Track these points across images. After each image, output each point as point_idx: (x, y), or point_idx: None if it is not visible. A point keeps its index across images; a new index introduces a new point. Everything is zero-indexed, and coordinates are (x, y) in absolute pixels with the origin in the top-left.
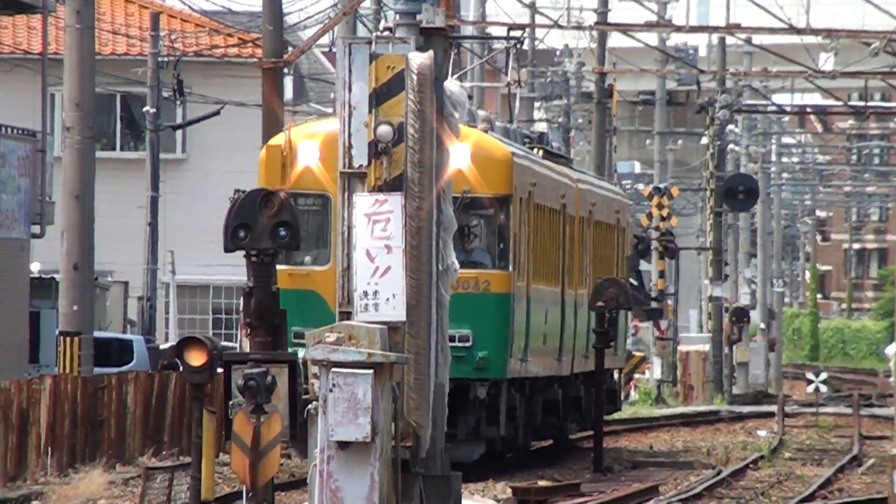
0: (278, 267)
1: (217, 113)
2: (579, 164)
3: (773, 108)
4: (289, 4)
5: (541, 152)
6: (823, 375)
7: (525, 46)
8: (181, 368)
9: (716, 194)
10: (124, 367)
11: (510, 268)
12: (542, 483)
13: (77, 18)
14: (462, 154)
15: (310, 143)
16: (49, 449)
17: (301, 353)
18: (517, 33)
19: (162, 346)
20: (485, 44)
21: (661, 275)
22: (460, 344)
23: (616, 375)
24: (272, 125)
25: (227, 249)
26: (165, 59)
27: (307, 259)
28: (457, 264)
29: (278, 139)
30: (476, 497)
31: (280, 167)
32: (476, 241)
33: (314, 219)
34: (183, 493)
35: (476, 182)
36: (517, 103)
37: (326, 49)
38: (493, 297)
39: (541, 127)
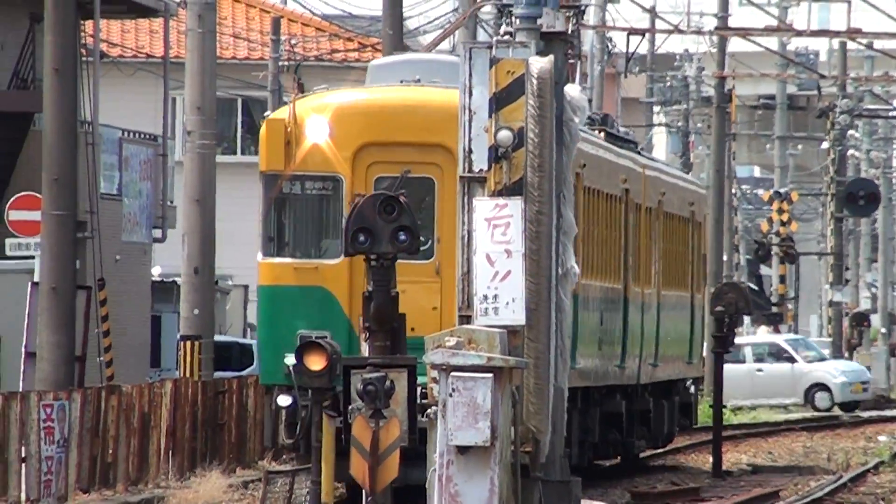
0: (281, 260)
1: None
2: (698, 167)
3: (895, 112)
4: (409, 8)
5: (602, 134)
6: None
7: (643, 50)
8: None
9: (836, 199)
10: (244, 371)
11: None
12: (660, 487)
13: (198, 22)
14: None
15: (318, 117)
16: (170, 452)
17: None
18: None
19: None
20: (605, 47)
21: (782, 279)
22: None
23: (692, 386)
24: None
25: (347, 253)
26: (286, 63)
27: (315, 251)
28: (577, 268)
29: (281, 112)
30: (596, 501)
31: (283, 145)
32: None
33: (323, 205)
34: (303, 496)
35: None
36: (577, 75)
37: (447, 53)
38: None
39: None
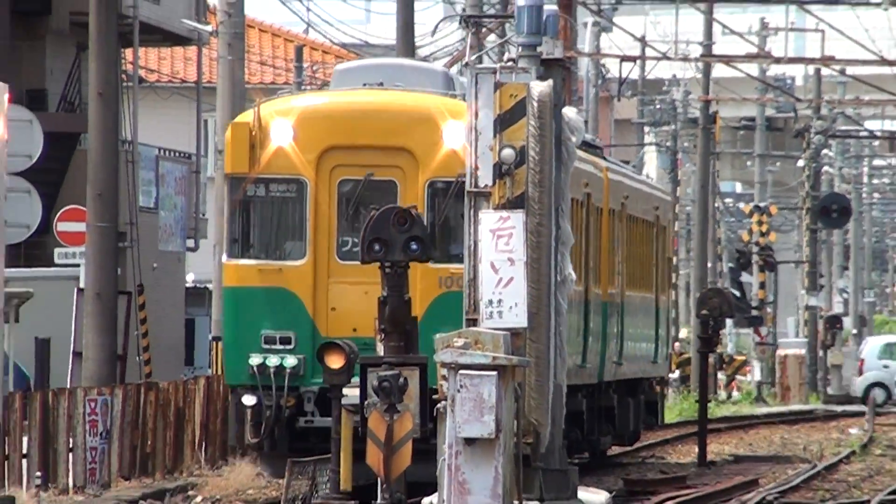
0: (246, 262)
1: None
2: (685, 183)
3: (865, 133)
4: (420, 39)
5: None
6: None
7: (634, 76)
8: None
9: (811, 212)
10: None
11: None
12: (650, 476)
13: (228, 50)
14: (456, 133)
15: (283, 120)
16: (203, 443)
17: (270, 360)
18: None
19: None
20: (599, 72)
21: (762, 286)
22: None
23: (658, 386)
24: None
25: (364, 261)
26: (308, 87)
27: (279, 253)
28: (573, 275)
29: (246, 116)
30: (591, 489)
31: (248, 148)
32: None
33: (287, 207)
34: (324, 484)
35: None
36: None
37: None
38: None
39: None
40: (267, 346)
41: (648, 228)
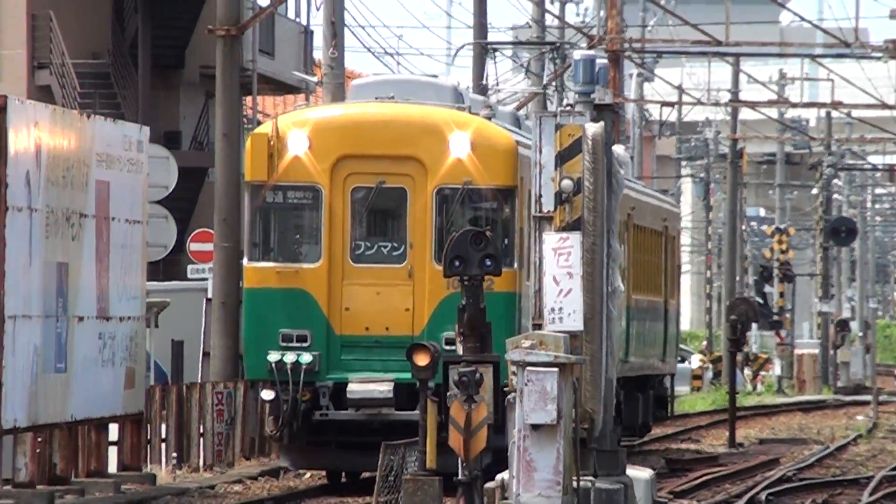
0: (265, 265)
1: None
2: (716, 209)
3: (869, 166)
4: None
5: None
6: None
7: (672, 118)
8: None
9: (824, 233)
10: None
11: (515, 265)
12: (687, 456)
13: (332, 98)
14: (462, 142)
15: (299, 131)
16: None
17: (287, 357)
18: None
19: None
20: (642, 115)
21: (781, 295)
22: None
23: (668, 382)
24: None
25: (446, 275)
26: None
27: (296, 256)
28: (622, 287)
29: (265, 127)
30: (637, 467)
31: (267, 157)
32: None
33: (304, 213)
34: (412, 462)
35: (477, 173)
36: (555, 104)
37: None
38: (497, 297)
39: (686, 183)
40: (284, 344)
41: (656, 237)
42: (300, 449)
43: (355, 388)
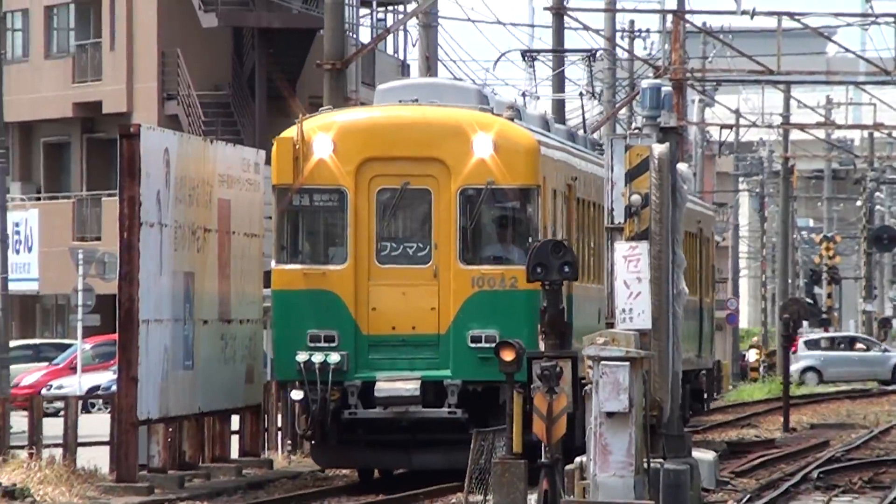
0: (293, 267)
1: None
2: (770, 219)
3: None
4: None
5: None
6: None
7: (730, 139)
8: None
9: (867, 240)
10: None
11: None
12: (746, 439)
13: None
14: (484, 143)
15: (324, 135)
16: None
17: (315, 357)
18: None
19: None
20: (704, 136)
21: (829, 296)
22: (486, 345)
23: (704, 377)
24: None
25: (529, 280)
26: None
27: (323, 258)
28: (686, 290)
29: (290, 131)
30: (702, 449)
31: (292, 161)
32: (501, 235)
33: (330, 215)
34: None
35: (499, 173)
36: (586, 111)
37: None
38: (521, 294)
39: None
40: (312, 345)
41: (691, 239)
42: (331, 448)
43: (383, 387)
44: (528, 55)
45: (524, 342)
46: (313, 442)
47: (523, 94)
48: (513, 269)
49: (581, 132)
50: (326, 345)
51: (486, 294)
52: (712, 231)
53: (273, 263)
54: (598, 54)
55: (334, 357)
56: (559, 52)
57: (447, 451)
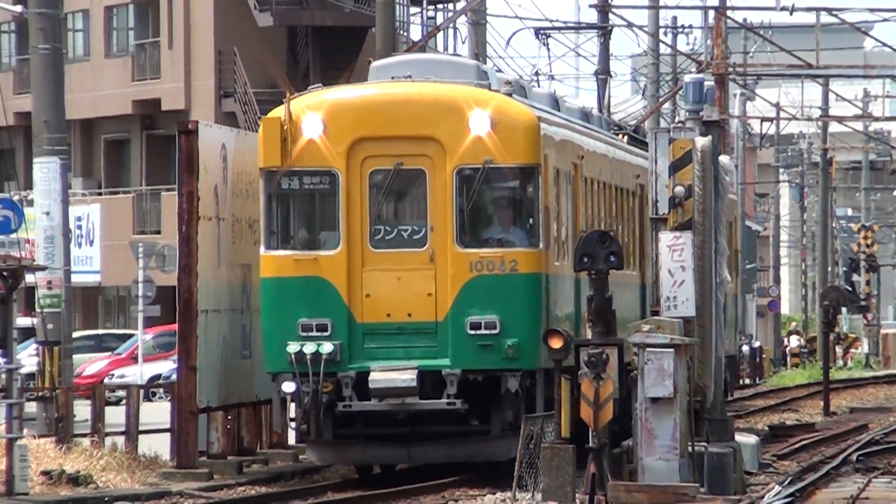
0: (282, 253)
1: None
2: (810, 209)
3: None
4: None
5: (625, 138)
6: None
7: (771, 132)
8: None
9: None
10: None
11: (541, 245)
12: (788, 423)
13: None
14: (481, 120)
15: (313, 114)
16: None
17: (307, 347)
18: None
19: None
20: (745, 129)
21: (867, 283)
22: (486, 332)
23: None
24: None
25: (576, 269)
26: None
27: (314, 243)
28: (729, 278)
29: (278, 111)
30: (744, 433)
31: (280, 142)
32: (500, 216)
33: (320, 198)
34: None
35: (497, 151)
36: (607, 90)
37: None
38: (522, 278)
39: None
40: (304, 334)
41: None
42: (326, 443)
43: (377, 378)
44: (542, 33)
45: (525, 327)
46: (307, 437)
47: (536, 73)
48: (513, 252)
49: (595, 112)
50: (319, 334)
51: (485, 278)
52: (735, 215)
53: (262, 250)
54: (611, 31)
55: (327, 347)
56: (572, 28)
57: (447, 443)
